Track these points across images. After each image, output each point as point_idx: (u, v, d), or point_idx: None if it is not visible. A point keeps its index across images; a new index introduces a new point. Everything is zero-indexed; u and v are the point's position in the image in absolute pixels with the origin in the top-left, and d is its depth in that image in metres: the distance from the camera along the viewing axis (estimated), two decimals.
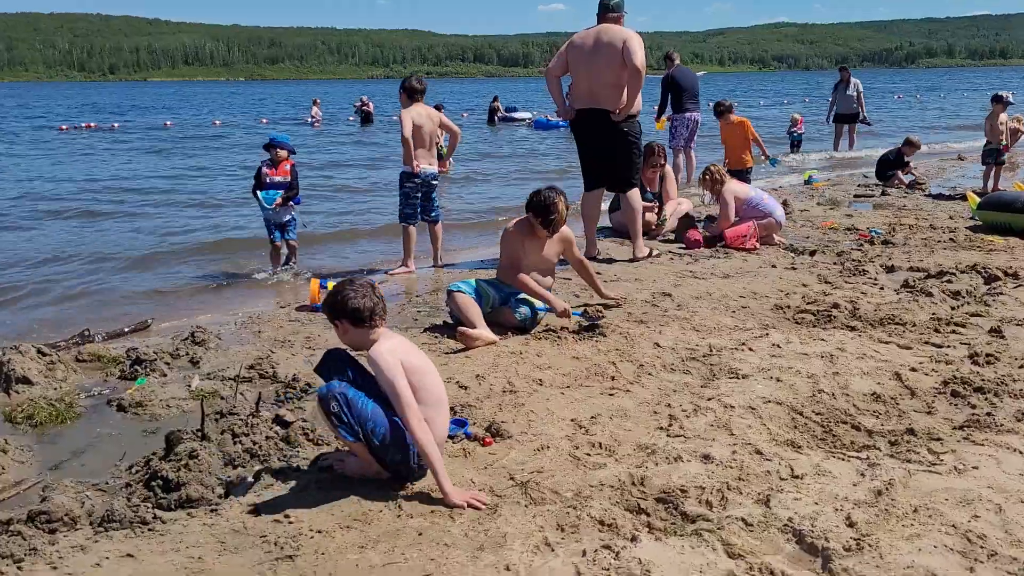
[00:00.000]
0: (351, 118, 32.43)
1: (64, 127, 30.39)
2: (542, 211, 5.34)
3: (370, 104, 32.03)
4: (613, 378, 4.38)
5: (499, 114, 31.09)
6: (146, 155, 19.84)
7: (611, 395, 4.15)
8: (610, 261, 7.30)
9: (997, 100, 11.12)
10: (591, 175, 7.33)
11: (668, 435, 3.62)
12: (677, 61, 12.35)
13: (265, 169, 7.29)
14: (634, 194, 7.29)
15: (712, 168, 8.20)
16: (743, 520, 2.87)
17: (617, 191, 7.33)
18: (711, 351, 4.74)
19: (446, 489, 3.06)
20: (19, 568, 2.68)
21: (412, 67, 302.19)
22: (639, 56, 6.66)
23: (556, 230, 5.44)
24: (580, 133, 7.25)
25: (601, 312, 5.27)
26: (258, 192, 7.27)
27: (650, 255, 7.38)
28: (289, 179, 7.33)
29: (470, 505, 3.03)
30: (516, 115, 31.58)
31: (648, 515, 2.96)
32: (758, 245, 7.76)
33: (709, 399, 4.01)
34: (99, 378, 4.78)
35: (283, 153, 7.34)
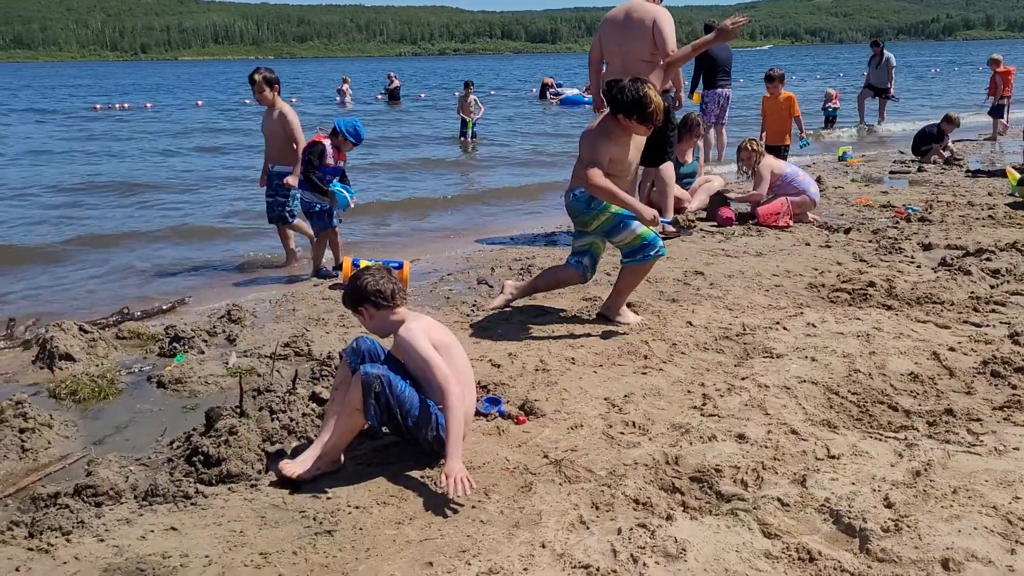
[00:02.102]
0: (379, 96, 32.41)
1: (98, 106, 30.71)
2: (635, 106, 4.55)
3: (396, 80, 31.95)
4: (646, 357, 4.37)
5: (551, 90, 30.59)
6: (177, 136, 19.88)
7: (644, 374, 4.15)
8: (664, 236, 7.25)
9: None
10: None
11: (702, 414, 3.62)
12: None
13: (331, 151, 6.39)
14: (667, 168, 7.26)
15: (750, 141, 8.09)
16: (779, 500, 2.86)
17: (650, 165, 7.24)
18: (744, 330, 4.71)
19: (449, 460, 2.98)
20: (67, 540, 2.75)
21: (440, 44, 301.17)
22: (671, 42, 6.58)
23: (658, 122, 4.69)
24: None
25: (693, 222, 4.92)
26: (334, 186, 6.40)
27: (677, 229, 7.32)
28: (342, 167, 6.59)
29: (455, 484, 2.89)
30: (566, 91, 30.48)
31: (683, 494, 2.97)
32: (791, 223, 7.68)
33: (743, 378, 3.99)
34: (139, 355, 4.86)
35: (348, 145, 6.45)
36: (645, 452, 3.27)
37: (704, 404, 3.72)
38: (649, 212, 4.68)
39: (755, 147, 7.97)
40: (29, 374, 4.55)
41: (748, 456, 3.20)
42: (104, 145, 17.92)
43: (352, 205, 6.57)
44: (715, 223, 7.94)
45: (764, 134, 10.52)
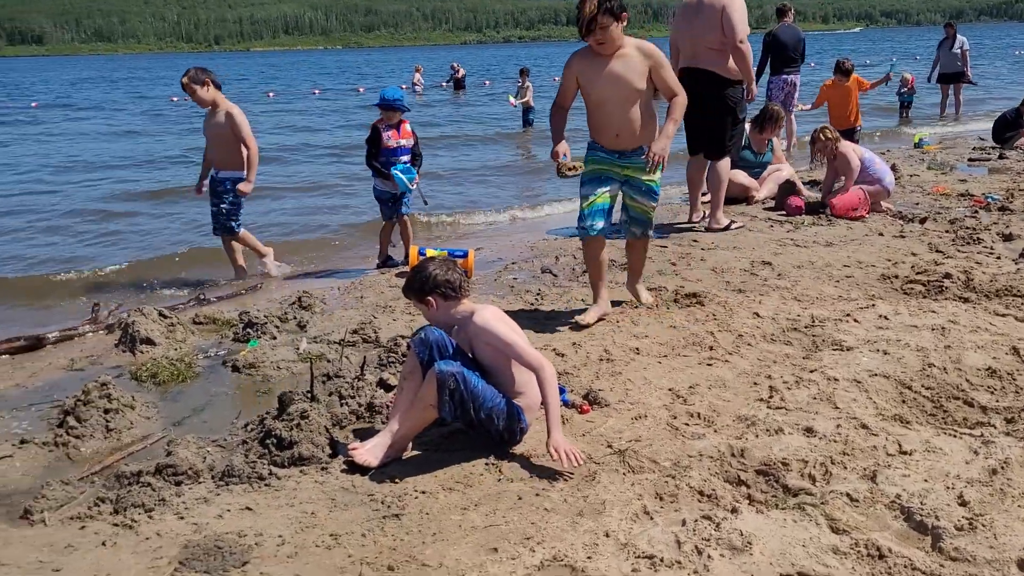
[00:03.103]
0: (444, 84, 32.59)
1: (175, 98, 31.60)
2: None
3: (461, 71, 32.08)
4: (711, 348, 4.34)
5: None
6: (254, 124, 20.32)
7: (709, 365, 4.12)
8: (712, 230, 7.16)
9: None
10: (691, 139, 7.20)
11: (769, 407, 3.58)
12: (789, 18, 11.44)
13: (386, 131, 6.21)
14: (723, 163, 7.07)
15: (823, 129, 7.79)
16: (848, 495, 2.82)
17: (711, 157, 7.07)
18: (813, 322, 4.63)
19: (553, 432, 3.09)
20: (150, 517, 2.88)
21: (505, 32, 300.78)
22: (740, 30, 6.48)
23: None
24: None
25: (574, 168, 4.54)
26: (393, 170, 6.17)
27: (728, 228, 7.15)
28: (413, 143, 6.35)
29: (562, 458, 3.03)
30: None
31: (748, 487, 2.95)
32: (867, 214, 7.46)
33: (812, 371, 3.93)
34: (214, 340, 5.03)
35: (399, 114, 6.25)
36: (710, 444, 3.26)
37: (771, 396, 3.68)
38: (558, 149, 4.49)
39: (830, 135, 7.69)
40: (112, 357, 4.75)
41: (816, 450, 3.15)
42: (181, 137, 18.45)
43: (413, 188, 6.31)
44: (783, 212, 7.79)
45: (830, 121, 10.31)
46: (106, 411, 3.76)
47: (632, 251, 5.05)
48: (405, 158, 6.30)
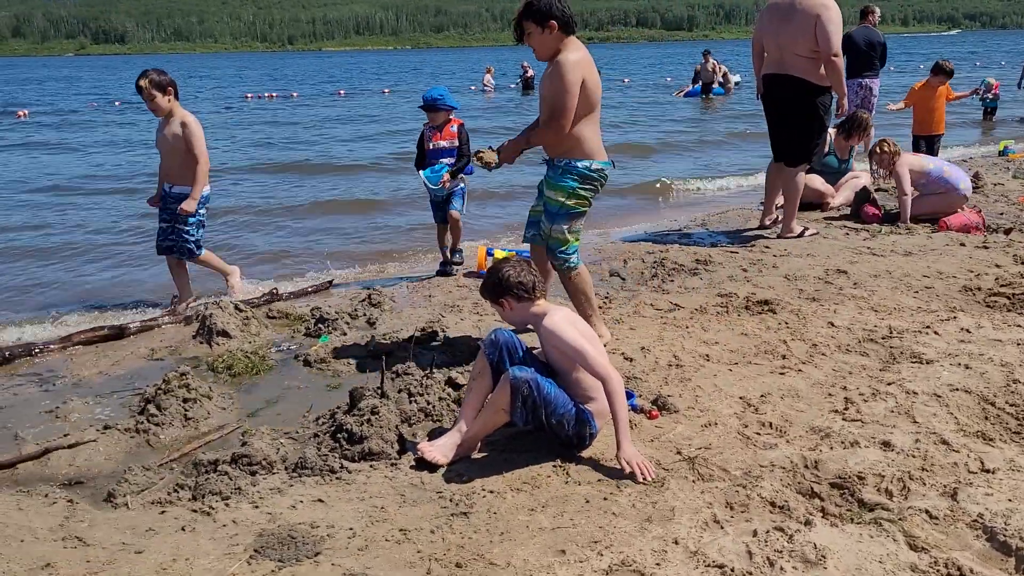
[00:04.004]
0: (512, 85, 32.67)
1: (249, 96, 32.42)
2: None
3: (531, 70, 32.09)
4: (784, 357, 4.26)
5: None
6: (328, 123, 20.56)
7: (782, 374, 4.04)
8: (784, 237, 7.02)
9: None
10: (775, 146, 7.04)
11: (844, 419, 3.50)
12: (870, 19, 11.05)
13: (428, 134, 6.13)
14: (800, 171, 6.88)
15: (882, 143, 7.58)
16: (927, 512, 2.74)
17: (791, 164, 6.89)
18: (891, 333, 4.51)
19: (624, 444, 3.11)
20: (226, 504, 2.96)
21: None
22: (835, 43, 6.28)
23: (518, 36, 4.21)
24: (767, 100, 6.89)
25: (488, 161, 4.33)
26: (421, 172, 6.09)
27: (801, 235, 6.97)
28: (457, 144, 6.10)
29: (634, 470, 3.05)
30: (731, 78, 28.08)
31: (822, 500, 2.89)
32: (982, 232, 7.03)
33: (889, 384, 3.83)
34: (287, 334, 5.14)
35: (443, 114, 6.08)
36: (782, 454, 3.20)
37: (846, 408, 3.59)
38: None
39: (889, 148, 7.42)
40: (190, 348, 4.89)
41: (893, 465, 3.07)
42: (257, 134, 18.90)
43: (443, 186, 5.97)
44: (860, 220, 7.60)
45: (914, 126, 10.01)
46: (185, 400, 3.88)
47: (538, 256, 4.52)
48: (447, 160, 6.08)
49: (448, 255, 6.44)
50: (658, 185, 10.87)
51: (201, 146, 5.59)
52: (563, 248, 4.34)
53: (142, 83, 5.48)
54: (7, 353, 4.73)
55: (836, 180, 8.37)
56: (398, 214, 9.49)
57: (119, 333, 5.10)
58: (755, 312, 4.98)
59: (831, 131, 8.42)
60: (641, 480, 3.04)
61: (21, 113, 25.12)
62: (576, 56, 4.10)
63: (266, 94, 33.22)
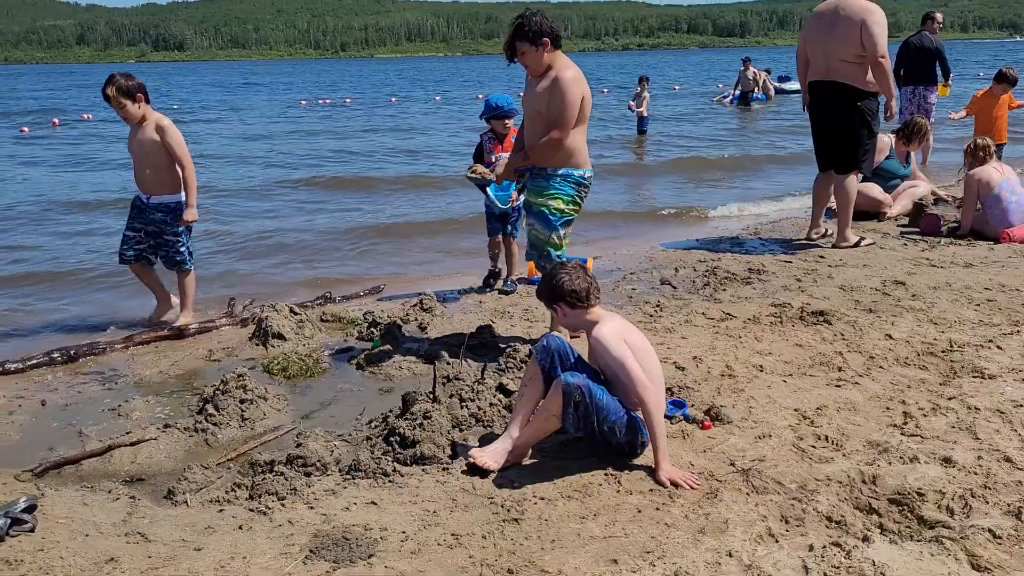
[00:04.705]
0: None
1: (304, 101, 32.96)
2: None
3: None
4: (840, 369, 4.19)
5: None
6: (381, 132, 20.57)
7: (838, 386, 3.97)
8: (839, 247, 6.91)
9: None
10: (821, 154, 6.97)
11: (903, 433, 3.43)
12: (929, 26, 10.77)
13: (488, 144, 5.93)
14: (851, 178, 6.80)
15: (978, 142, 7.30)
16: (990, 531, 2.67)
17: (840, 172, 6.83)
18: (952, 347, 4.41)
19: (662, 464, 3.12)
20: (282, 504, 3.01)
21: (624, 39, 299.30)
22: (880, 44, 6.23)
23: (511, 55, 4.39)
24: (813, 107, 6.85)
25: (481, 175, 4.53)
26: (488, 189, 5.37)
27: (857, 245, 6.85)
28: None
29: (680, 484, 3.05)
30: (788, 85, 27.46)
31: (880, 516, 2.84)
32: None
33: (950, 398, 3.74)
34: (340, 337, 5.21)
35: (508, 122, 5.84)
36: (839, 468, 3.15)
37: (905, 423, 3.52)
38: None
39: (981, 144, 7.17)
40: (247, 350, 4.99)
41: (955, 482, 3.00)
42: (313, 141, 19.20)
43: (510, 206, 5.72)
44: (918, 230, 7.44)
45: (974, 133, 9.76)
46: (241, 401, 3.96)
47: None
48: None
49: (496, 271, 6.27)
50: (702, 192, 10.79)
51: (184, 150, 5.25)
52: (558, 252, 4.53)
53: (109, 91, 5.09)
54: (72, 352, 4.87)
55: (893, 188, 8.21)
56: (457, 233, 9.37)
57: (178, 334, 5.22)
58: (810, 323, 4.90)
59: (891, 137, 8.30)
60: (687, 487, 3.04)
61: (85, 116, 25.94)
62: (573, 72, 4.33)
63: (320, 99, 33.73)
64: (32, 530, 2.79)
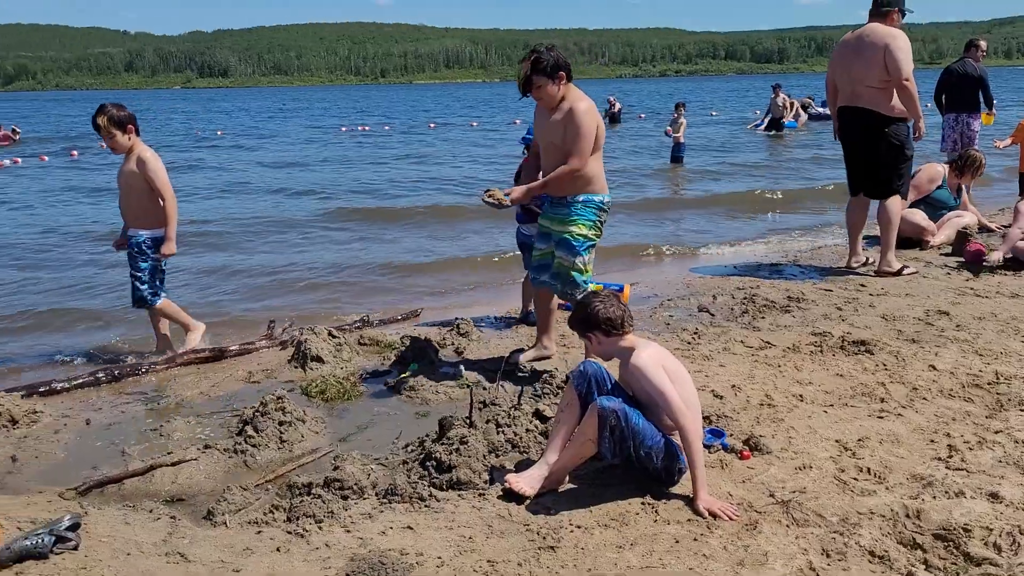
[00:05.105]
0: None
1: (344, 128, 33.42)
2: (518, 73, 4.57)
3: (617, 104, 32.14)
4: (882, 400, 4.12)
5: (811, 109, 28.20)
6: (413, 163, 20.02)
7: (880, 418, 3.91)
8: (881, 273, 6.82)
9: None
10: (852, 179, 7.02)
11: (947, 467, 3.36)
12: (976, 53, 10.51)
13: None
14: (893, 203, 6.77)
15: None
16: None
17: (875, 197, 6.86)
18: (998, 379, 4.31)
19: (700, 493, 3.09)
20: (319, 527, 3.03)
21: (661, 66, 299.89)
22: (904, 67, 6.28)
23: (526, 89, 4.47)
24: (843, 133, 6.94)
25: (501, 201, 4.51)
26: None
27: (900, 272, 6.77)
28: None
29: (719, 514, 3.02)
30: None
31: (925, 551, 2.78)
32: None
33: (996, 432, 3.66)
34: (377, 361, 5.24)
35: None
36: (882, 502, 3.09)
37: (950, 456, 3.45)
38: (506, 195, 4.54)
39: None
40: (285, 372, 5.04)
41: (1002, 518, 2.93)
42: (352, 169, 19.41)
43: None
44: (961, 259, 7.32)
45: (1021, 164, 9.61)
46: (280, 423, 4.00)
47: (541, 300, 5.00)
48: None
49: (530, 312, 5.86)
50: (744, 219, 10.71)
51: (164, 183, 5.15)
52: (583, 277, 4.63)
53: (100, 121, 5.05)
54: (116, 372, 4.97)
55: (939, 216, 8.10)
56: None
57: (219, 355, 5.30)
58: (851, 352, 4.83)
59: (944, 167, 8.25)
60: (727, 518, 3.00)
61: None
62: (587, 104, 4.46)
63: (360, 126, 34.19)
64: (76, 548, 2.83)
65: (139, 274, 5.25)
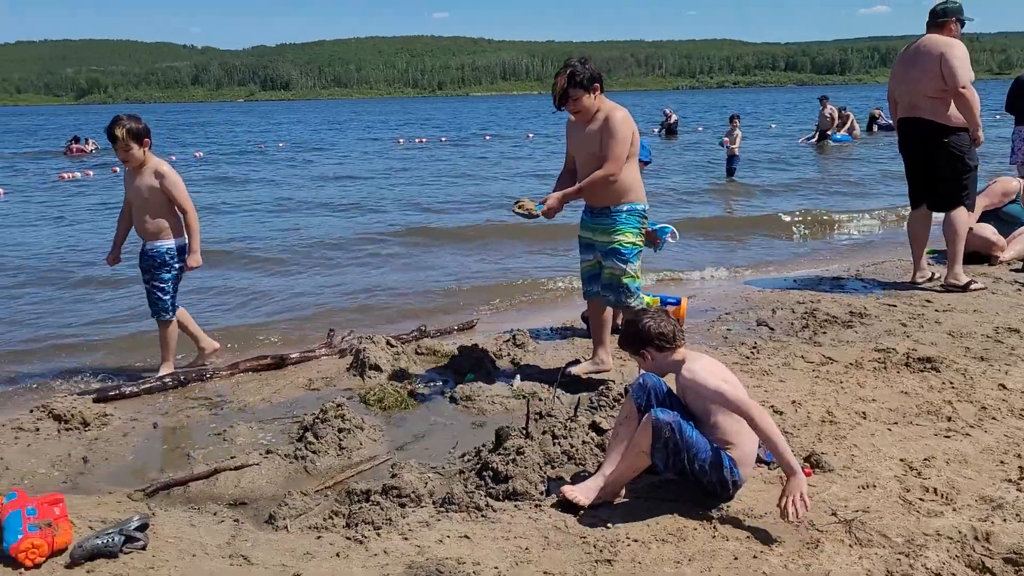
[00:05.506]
0: (655, 130, 32.56)
1: (401, 140, 33.86)
2: (553, 86, 4.63)
3: (674, 116, 31.93)
4: (949, 419, 4.01)
5: (879, 121, 28.05)
6: (467, 178, 19.87)
7: (947, 437, 3.80)
8: (948, 289, 6.64)
9: None
10: (913, 192, 6.90)
11: (1018, 489, 3.25)
12: None
13: None
14: (958, 215, 6.60)
15: None
16: None
17: (938, 210, 6.73)
18: None
19: (795, 467, 3.03)
20: (377, 534, 3.07)
21: (719, 77, 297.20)
22: (961, 76, 6.17)
23: (564, 101, 4.54)
24: (902, 145, 6.88)
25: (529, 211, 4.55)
26: (653, 225, 5.57)
27: (967, 288, 6.57)
28: None
29: (792, 503, 2.97)
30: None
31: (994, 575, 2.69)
32: None
33: None
34: (434, 371, 5.28)
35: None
36: (949, 523, 3.01)
37: (1021, 478, 3.34)
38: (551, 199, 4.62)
39: None
40: (344, 380, 5.12)
41: None
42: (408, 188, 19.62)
43: (675, 239, 5.96)
44: None
45: None
46: (340, 430, 4.06)
47: (595, 312, 5.01)
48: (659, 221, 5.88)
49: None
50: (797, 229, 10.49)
51: (185, 195, 5.15)
52: (636, 284, 4.75)
53: (118, 132, 5.00)
54: (182, 377, 5.10)
55: (1008, 232, 7.87)
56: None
57: (280, 362, 5.41)
58: (916, 370, 4.72)
59: (1019, 182, 8.05)
60: (791, 520, 2.95)
61: (197, 153, 27.34)
62: (622, 113, 4.55)
63: (417, 139, 34.58)
64: (143, 548, 2.92)
65: (163, 285, 5.22)
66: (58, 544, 2.85)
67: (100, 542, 2.85)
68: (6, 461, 3.93)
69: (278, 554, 2.95)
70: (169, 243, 5.21)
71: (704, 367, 3.27)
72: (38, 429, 4.31)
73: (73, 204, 15.48)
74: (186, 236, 5.22)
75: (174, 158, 23.97)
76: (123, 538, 2.89)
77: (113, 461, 4.05)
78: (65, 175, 20.57)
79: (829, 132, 24.48)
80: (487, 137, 34.56)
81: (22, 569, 2.78)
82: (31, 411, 4.49)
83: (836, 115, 24.90)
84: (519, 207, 4.65)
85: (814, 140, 25.20)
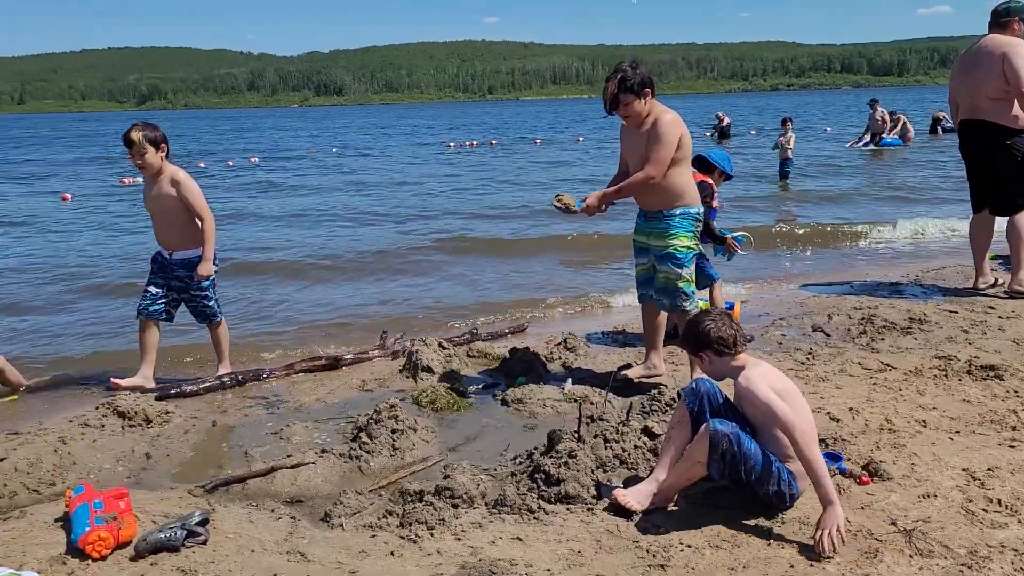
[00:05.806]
0: (707, 134, 32.22)
1: (451, 144, 34.10)
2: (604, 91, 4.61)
3: (726, 119, 31.55)
4: (1014, 428, 3.90)
5: (943, 123, 27.51)
6: (516, 184, 19.70)
7: (1012, 447, 3.70)
8: (1012, 295, 6.46)
9: None
10: (975, 195, 6.74)
11: None
12: None
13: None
14: (1021, 218, 6.42)
15: None
16: None
17: (1001, 214, 6.53)
18: None
19: (833, 497, 2.95)
20: (431, 534, 3.10)
21: (773, 79, 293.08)
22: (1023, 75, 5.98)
23: (613, 107, 4.50)
24: (963, 147, 6.72)
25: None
26: (728, 234, 5.92)
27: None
28: (717, 205, 5.96)
29: (827, 536, 2.89)
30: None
31: None
32: None
33: None
34: (486, 373, 5.31)
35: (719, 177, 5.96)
36: (1014, 535, 2.93)
37: None
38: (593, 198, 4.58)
39: None
40: (397, 381, 5.18)
41: None
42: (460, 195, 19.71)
43: (752, 246, 6.16)
44: None
45: None
46: (393, 431, 4.11)
47: (648, 316, 4.99)
48: (715, 223, 5.92)
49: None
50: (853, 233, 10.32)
51: (202, 202, 5.10)
52: (691, 288, 4.71)
53: (135, 136, 4.96)
54: (240, 376, 5.22)
55: None
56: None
57: (334, 363, 5.49)
58: (979, 378, 4.60)
59: None
60: (825, 551, 2.86)
61: (252, 159, 27.89)
62: (672, 116, 4.51)
63: (467, 143, 34.78)
64: (205, 542, 2.99)
65: (204, 292, 5.25)
66: (123, 537, 2.94)
67: (163, 536, 2.93)
68: (73, 456, 4.06)
69: (334, 551, 3.00)
70: (190, 253, 5.18)
71: (760, 375, 3.22)
72: (103, 426, 4.45)
73: (139, 210, 15.80)
74: (209, 244, 5.13)
75: (232, 163, 24.56)
76: (185, 532, 2.97)
77: (174, 457, 4.15)
78: (126, 180, 21.11)
79: (880, 136, 24.00)
80: (538, 141, 34.58)
81: (89, 561, 2.87)
82: (97, 408, 4.63)
83: (887, 118, 24.39)
84: (559, 201, 4.65)
85: (863, 144, 24.71)
